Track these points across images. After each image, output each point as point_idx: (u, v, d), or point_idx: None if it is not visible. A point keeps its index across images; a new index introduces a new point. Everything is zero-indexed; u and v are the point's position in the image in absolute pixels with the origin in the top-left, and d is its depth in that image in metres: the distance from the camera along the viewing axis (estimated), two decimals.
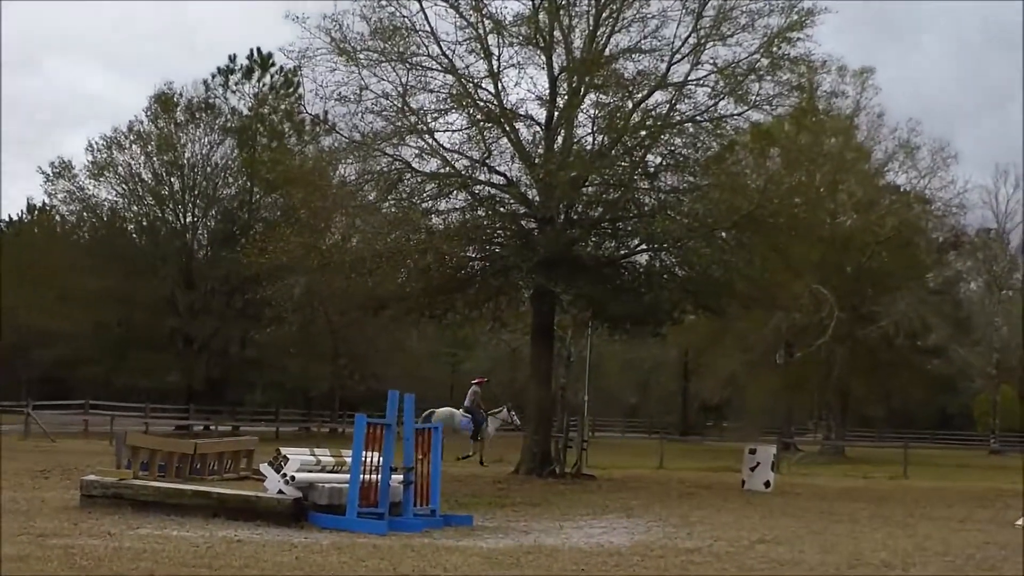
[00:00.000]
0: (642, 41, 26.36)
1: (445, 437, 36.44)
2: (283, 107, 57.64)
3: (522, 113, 26.62)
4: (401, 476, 15.25)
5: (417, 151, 26.32)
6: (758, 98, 26.29)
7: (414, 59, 25.89)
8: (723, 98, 26.41)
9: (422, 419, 36.43)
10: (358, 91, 25.62)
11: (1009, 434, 68.35)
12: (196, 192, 55.87)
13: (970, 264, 68.28)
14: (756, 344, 56.07)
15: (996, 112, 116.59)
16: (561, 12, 26.25)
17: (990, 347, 64.80)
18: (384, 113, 25.89)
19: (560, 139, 26.67)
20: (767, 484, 25.33)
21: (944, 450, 57.42)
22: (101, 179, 55.57)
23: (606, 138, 26.25)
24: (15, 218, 70.36)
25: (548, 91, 26.53)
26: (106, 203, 56.85)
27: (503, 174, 26.92)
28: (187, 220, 56.49)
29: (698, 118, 26.57)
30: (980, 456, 55.90)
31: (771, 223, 26.07)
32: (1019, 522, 17.81)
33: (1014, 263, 66.84)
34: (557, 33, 26.32)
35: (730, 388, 63.50)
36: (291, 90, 56.68)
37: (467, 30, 26.01)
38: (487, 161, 26.62)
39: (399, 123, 25.86)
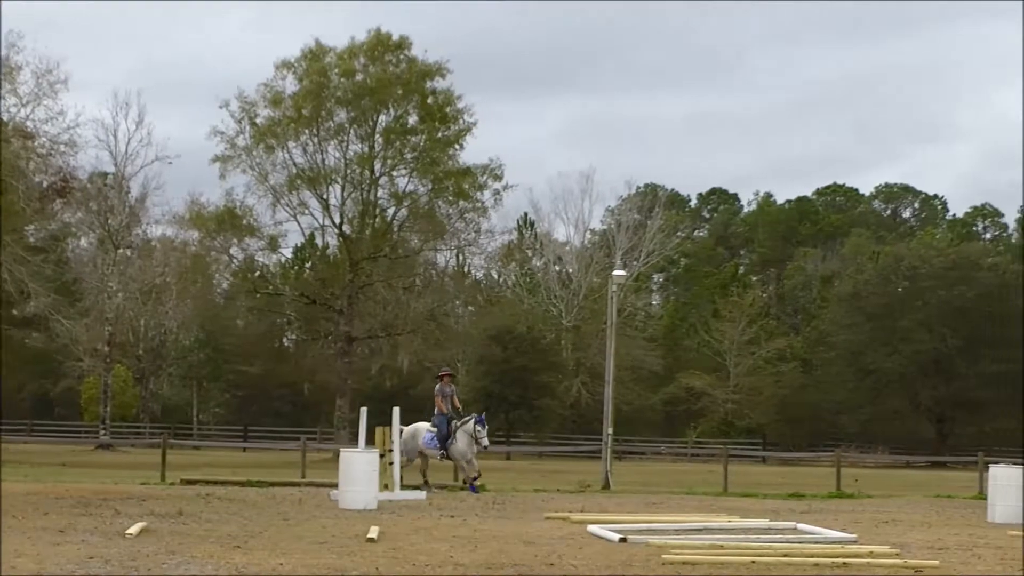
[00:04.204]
0: None
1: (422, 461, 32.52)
2: None
3: None
4: None
5: None
6: None
7: None
8: None
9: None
10: None
11: (122, 424, 72.02)
12: None
13: (80, 216, 70.04)
14: None
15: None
16: None
17: (102, 318, 67.09)
18: None
19: None
20: None
21: (48, 446, 59.29)
22: None
23: None
24: None
25: None
26: None
27: None
28: None
29: None
30: (85, 452, 58.30)
31: None
32: (131, 530, 19.46)
33: (135, 216, 69.83)
34: None
35: None
36: None
37: None
38: None
39: None
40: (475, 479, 31.60)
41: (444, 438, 31.44)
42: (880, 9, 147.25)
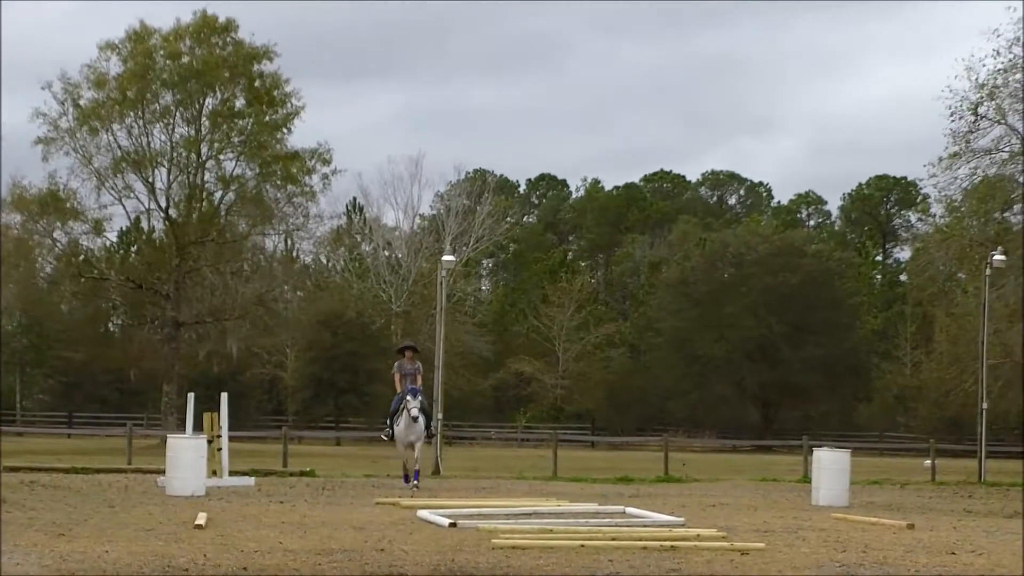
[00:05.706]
0: None
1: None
2: None
3: None
4: None
5: None
6: None
7: None
8: None
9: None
10: None
11: None
12: None
13: None
14: None
15: None
16: None
17: None
18: None
19: None
20: None
21: None
22: None
23: None
24: None
25: None
26: None
27: None
28: None
29: None
30: None
31: None
32: None
33: None
34: None
35: None
36: None
37: None
38: None
39: None
40: (416, 472, 28.85)
41: (391, 415, 28.65)
42: (706, 3, 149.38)
